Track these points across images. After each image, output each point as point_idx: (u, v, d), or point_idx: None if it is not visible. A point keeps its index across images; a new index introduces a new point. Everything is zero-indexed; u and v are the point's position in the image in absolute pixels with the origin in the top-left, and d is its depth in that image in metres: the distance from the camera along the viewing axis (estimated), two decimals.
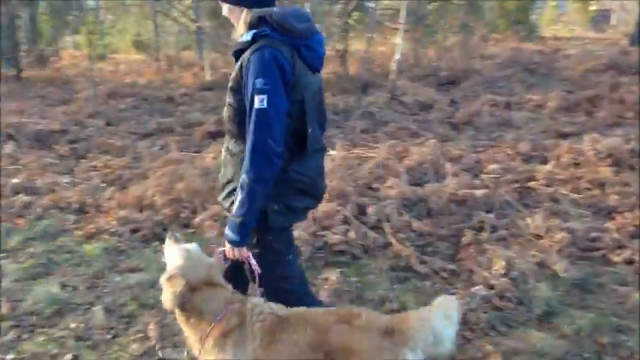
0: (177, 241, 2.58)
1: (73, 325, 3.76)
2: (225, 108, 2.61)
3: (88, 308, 3.96)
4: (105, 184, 6.35)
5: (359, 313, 2.33)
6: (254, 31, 2.43)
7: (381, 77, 12.22)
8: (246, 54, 2.41)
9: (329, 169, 5.99)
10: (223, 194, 2.69)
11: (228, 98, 2.55)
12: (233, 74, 2.49)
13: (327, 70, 11.82)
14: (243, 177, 2.40)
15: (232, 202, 2.52)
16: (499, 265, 4.20)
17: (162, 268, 2.61)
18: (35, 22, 16.94)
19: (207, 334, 2.37)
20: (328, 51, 8.91)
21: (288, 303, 2.49)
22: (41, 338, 3.64)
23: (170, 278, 2.42)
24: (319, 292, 3.99)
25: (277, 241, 2.65)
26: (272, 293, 2.62)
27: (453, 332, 2.26)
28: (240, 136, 2.54)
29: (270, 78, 2.35)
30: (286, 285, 2.75)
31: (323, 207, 5.17)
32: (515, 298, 3.89)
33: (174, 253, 2.51)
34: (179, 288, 2.37)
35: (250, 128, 2.38)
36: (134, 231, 5.09)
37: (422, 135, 7.76)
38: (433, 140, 6.94)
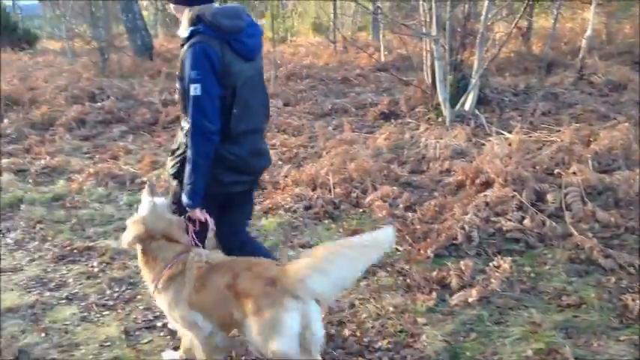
0: (152, 193, 2.97)
1: None
2: (177, 92, 3.03)
3: None
4: (282, 162, 6.65)
5: (258, 262, 2.78)
6: (191, 28, 2.84)
7: (568, 56, 11.40)
8: (184, 48, 2.83)
9: (505, 154, 5.74)
10: (169, 159, 3.11)
11: (177, 84, 2.96)
12: (179, 64, 2.90)
13: (507, 50, 11.28)
14: (188, 152, 2.85)
15: (173, 166, 3.01)
16: None
17: None
18: None
19: (159, 277, 2.83)
20: (512, 29, 8.46)
21: None
22: None
23: (134, 222, 2.89)
24: (490, 279, 3.83)
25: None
26: None
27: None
28: (187, 114, 2.92)
29: (201, 69, 2.76)
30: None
31: (496, 192, 4.97)
32: None
33: (145, 204, 2.95)
34: (137, 232, 2.83)
35: (189, 112, 2.81)
36: (307, 208, 5.27)
37: (613, 118, 7.12)
38: (626, 124, 6.35)
